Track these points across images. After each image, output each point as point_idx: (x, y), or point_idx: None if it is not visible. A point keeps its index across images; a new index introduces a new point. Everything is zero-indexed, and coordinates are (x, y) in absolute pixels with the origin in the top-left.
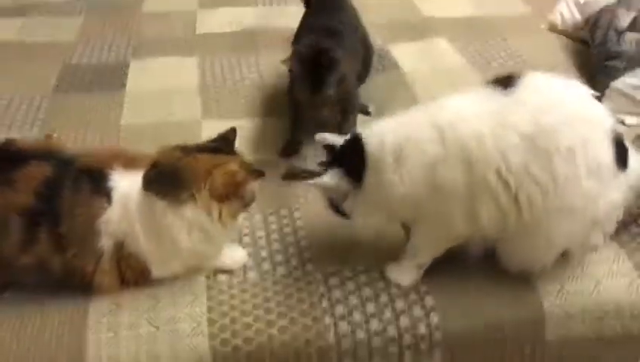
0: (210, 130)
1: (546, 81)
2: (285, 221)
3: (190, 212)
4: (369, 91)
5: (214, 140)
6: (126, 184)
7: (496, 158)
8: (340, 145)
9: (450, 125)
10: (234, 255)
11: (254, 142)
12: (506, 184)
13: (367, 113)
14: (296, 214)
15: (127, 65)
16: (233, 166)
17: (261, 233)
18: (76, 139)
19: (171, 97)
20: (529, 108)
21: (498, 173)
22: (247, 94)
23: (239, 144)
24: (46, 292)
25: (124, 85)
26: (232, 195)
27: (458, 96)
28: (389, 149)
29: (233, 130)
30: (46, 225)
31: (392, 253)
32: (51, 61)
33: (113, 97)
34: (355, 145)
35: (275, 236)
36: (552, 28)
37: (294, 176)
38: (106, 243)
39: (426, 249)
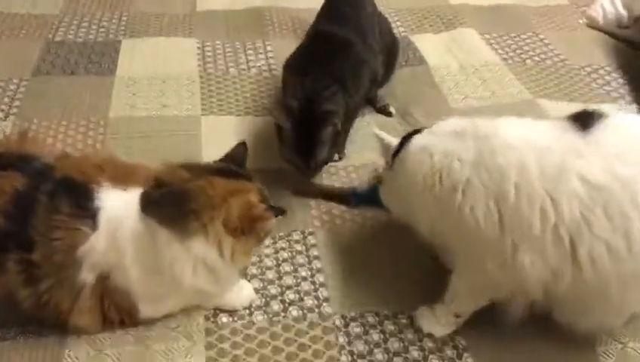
0: (210, 128)
1: (632, 123)
2: (298, 247)
3: (199, 246)
4: (391, 87)
5: (223, 159)
6: (116, 204)
7: (545, 203)
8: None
9: (490, 150)
10: (240, 292)
11: (261, 145)
12: (556, 235)
13: (389, 114)
14: (311, 239)
15: (118, 45)
16: (252, 196)
17: (270, 262)
18: (57, 132)
19: (167, 86)
20: (604, 154)
21: (544, 218)
22: (253, 86)
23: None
24: (13, 330)
25: (113, 70)
26: (248, 230)
27: (517, 120)
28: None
29: (243, 146)
30: (15, 251)
31: (425, 293)
32: (32, 37)
33: (101, 83)
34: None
35: (286, 267)
36: (592, 23)
37: (308, 191)
38: (87, 275)
39: (464, 296)
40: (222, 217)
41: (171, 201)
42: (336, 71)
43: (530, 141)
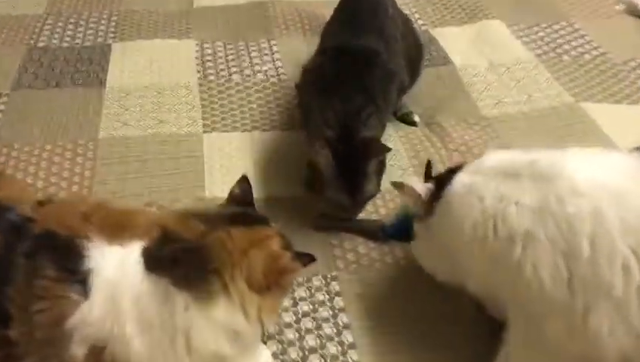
0: (214, 148)
1: None
2: (320, 297)
3: (222, 309)
4: (414, 91)
5: (230, 201)
6: (110, 263)
7: (628, 259)
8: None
9: (557, 196)
10: (256, 359)
11: (271, 167)
12: None
13: (413, 123)
14: (335, 286)
15: (107, 49)
16: (275, 245)
17: (289, 318)
18: (40, 159)
19: (163, 98)
20: None
21: (628, 277)
22: (260, 95)
23: (255, 171)
24: None
25: (102, 80)
26: (274, 285)
27: (583, 155)
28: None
29: (247, 183)
30: None
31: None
32: (12, 42)
33: (90, 97)
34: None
35: (307, 323)
36: (632, 10)
37: (331, 225)
38: (76, 350)
39: None
40: (245, 274)
41: (188, 259)
42: (368, 88)
43: (604, 183)
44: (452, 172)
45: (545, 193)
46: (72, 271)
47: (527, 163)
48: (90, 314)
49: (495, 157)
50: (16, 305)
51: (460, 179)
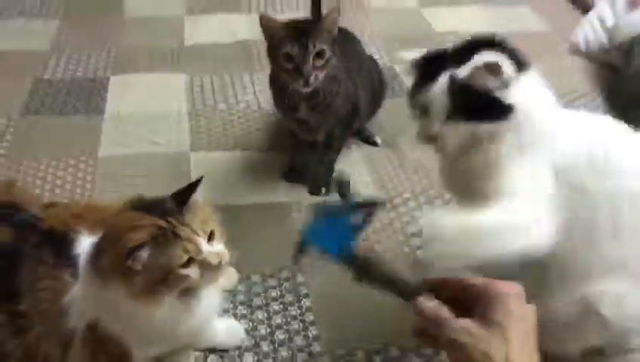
0: (200, 164)
1: None
2: (287, 285)
3: (113, 290)
4: (378, 118)
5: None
6: None
7: None
8: None
9: None
10: (230, 331)
11: (250, 179)
12: None
13: (374, 144)
14: (300, 278)
15: (106, 82)
16: (138, 234)
17: (259, 301)
18: (46, 173)
19: (156, 124)
20: None
21: None
22: (242, 120)
23: (233, 182)
24: None
25: (102, 108)
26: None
27: None
28: None
29: (197, 182)
30: (3, 303)
31: None
32: (21, 75)
33: (90, 122)
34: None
35: (275, 306)
36: (575, 50)
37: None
38: (75, 324)
39: None
40: (114, 256)
41: (98, 247)
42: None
43: None
44: None
45: None
46: (65, 257)
47: None
48: (80, 291)
49: None
50: (26, 285)
51: None
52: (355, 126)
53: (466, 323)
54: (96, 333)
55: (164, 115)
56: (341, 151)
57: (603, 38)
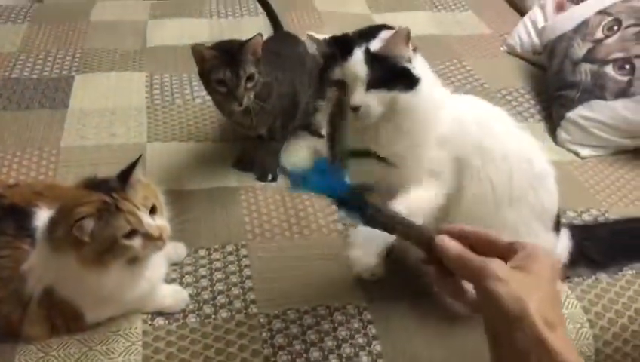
0: (155, 153)
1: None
2: (231, 258)
3: (63, 259)
4: (324, 113)
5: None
6: None
7: None
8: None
9: None
10: (175, 295)
11: (204, 167)
12: None
13: (320, 135)
14: (243, 251)
15: (71, 80)
16: (86, 208)
17: (204, 271)
18: (11, 162)
19: (116, 117)
20: None
21: None
22: (197, 115)
23: (187, 170)
24: None
25: (66, 103)
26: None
27: None
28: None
29: (135, 162)
30: None
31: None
32: None
33: (54, 116)
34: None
35: (218, 275)
36: (511, 51)
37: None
38: (33, 289)
39: None
40: (65, 228)
41: (52, 221)
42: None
43: None
44: None
45: None
46: (24, 228)
47: None
48: (37, 259)
49: None
50: None
51: None
52: (297, 118)
53: (497, 261)
54: (52, 297)
55: (124, 110)
56: (286, 139)
57: (535, 40)
